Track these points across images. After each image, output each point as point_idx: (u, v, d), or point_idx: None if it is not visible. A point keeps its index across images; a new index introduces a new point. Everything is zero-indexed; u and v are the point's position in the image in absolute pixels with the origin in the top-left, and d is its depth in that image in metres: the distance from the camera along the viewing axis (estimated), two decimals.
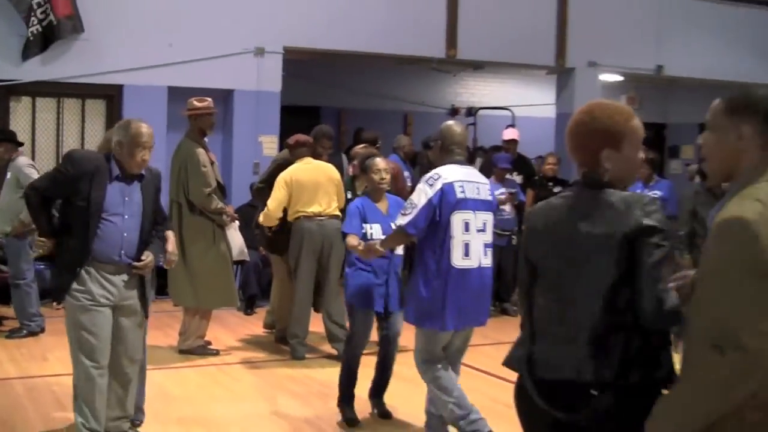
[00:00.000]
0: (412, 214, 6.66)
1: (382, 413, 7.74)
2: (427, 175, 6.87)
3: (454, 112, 19.33)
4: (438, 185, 6.68)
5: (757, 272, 2.90)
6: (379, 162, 7.78)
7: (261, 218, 9.82)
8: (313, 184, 9.66)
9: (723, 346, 2.93)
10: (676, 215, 12.02)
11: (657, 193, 12.26)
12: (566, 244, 3.76)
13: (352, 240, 7.40)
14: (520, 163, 13.93)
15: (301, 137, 10.02)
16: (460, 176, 6.79)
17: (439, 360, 6.90)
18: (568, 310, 3.72)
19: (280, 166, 10.22)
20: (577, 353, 3.64)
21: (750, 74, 17.36)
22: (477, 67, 17.43)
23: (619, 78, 17.74)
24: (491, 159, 13.34)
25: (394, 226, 7.07)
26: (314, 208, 9.70)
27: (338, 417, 7.70)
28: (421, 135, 14.56)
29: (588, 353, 3.62)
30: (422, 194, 6.67)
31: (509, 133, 14.44)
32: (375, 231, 7.51)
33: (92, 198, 6.41)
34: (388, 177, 7.81)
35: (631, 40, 16.47)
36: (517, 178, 13.38)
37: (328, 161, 10.35)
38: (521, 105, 19.01)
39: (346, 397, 7.72)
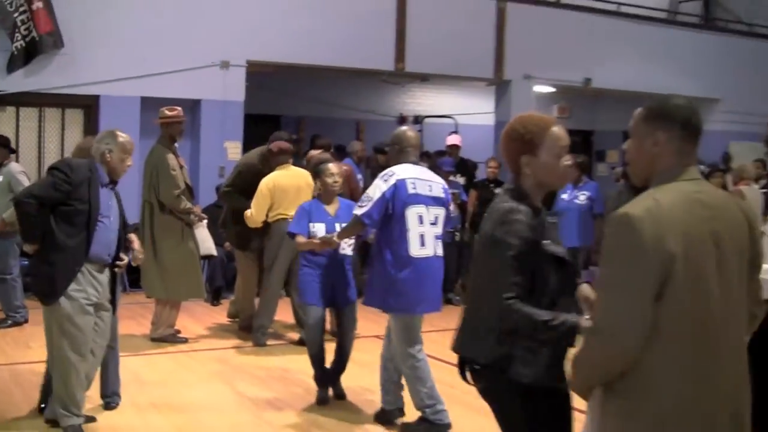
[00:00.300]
0: (367, 206, 6.74)
1: (337, 394, 7.73)
2: (383, 172, 6.96)
3: (402, 120, 19.32)
4: (392, 181, 6.77)
5: (631, 263, 2.96)
6: (331, 166, 7.77)
7: (247, 219, 9.68)
8: (294, 189, 9.57)
9: (594, 329, 3.11)
10: (603, 214, 12.11)
11: (586, 193, 12.36)
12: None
13: (301, 239, 7.45)
14: (463, 167, 14.04)
15: (283, 145, 9.97)
16: (412, 174, 6.87)
17: (416, 342, 6.92)
18: (470, 301, 4.11)
19: (242, 172, 10.24)
20: (462, 335, 4.05)
21: (667, 86, 17.35)
22: (423, 79, 17.52)
23: (551, 89, 17.83)
24: (436, 163, 13.35)
25: (339, 227, 7.33)
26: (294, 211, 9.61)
27: (297, 398, 7.70)
28: (372, 141, 14.59)
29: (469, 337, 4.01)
30: (377, 189, 6.77)
31: (452, 139, 14.53)
32: (318, 230, 7.51)
33: (92, 202, 6.38)
34: (340, 180, 7.82)
35: (563, 55, 16.53)
36: (461, 180, 13.45)
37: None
38: (463, 114, 19.02)
39: (316, 379, 7.73)
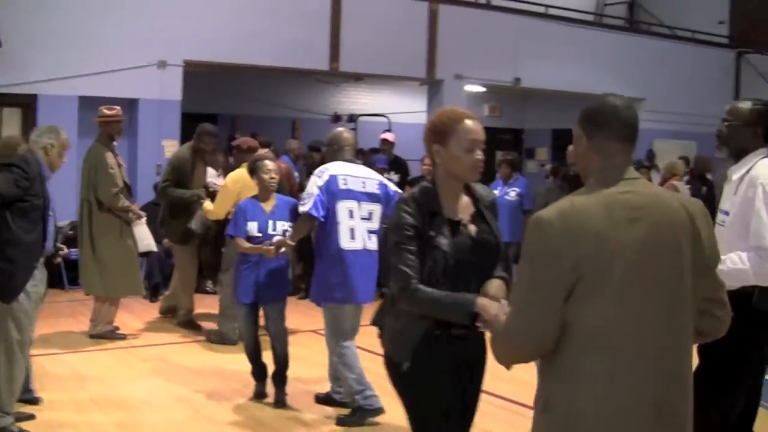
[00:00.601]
0: (310, 201, 6.82)
1: (277, 400, 7.47)
2: (318, 169, 7.10)
3: (336, 118, 19.32)
4: (325, 176, 6.90)
5: (539, 265, 2.95)
6: (268, 163, 7.68)
7: (207, 213, 9.53)
8: None
9: (504, 327, 3.12)
10: (532, 209, 12.22)
11: (516, 190, 12.48)
12: None
13: (244, 243, 7.41)
14: (397, 164, 14.05)
15: (251, 142, 9.94)
16: (345, 171, 6.99)
17: (345, 336, 7.02)
18: None
19: (176, 167, 10.19)
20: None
21: (593, 86, 17.60)
22: (357, 78, 17.56)
23: (482, 89, 17.92)
24: (370, 160, 13.36)
25: (272, 224, 7.43)
26: None
27: (236, 393, 7.66)
28: (308, 139, 14.61)
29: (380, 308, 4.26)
30: (314, 185, 6.89)
31: (386, 135, 14.55)
32: (251, 228, 7.44)
33: (46, 196, 6.32)
34: (277, 177, 7.74)
35: (493, 55, 16.64)
36: (394, 177, 13.45)
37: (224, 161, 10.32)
38: (397, 112, 19.07)
39: (253, 374, 7.68)
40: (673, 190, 12.08)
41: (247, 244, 7.39)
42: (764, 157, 4.87)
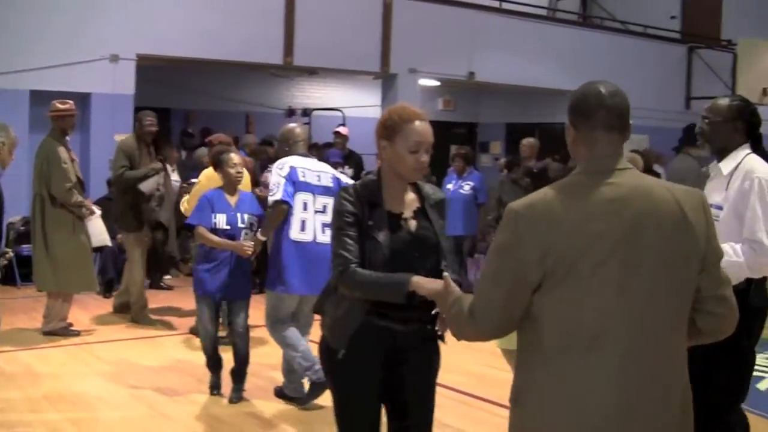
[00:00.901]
0: (279, 189, 6.96)
1: (233, 396, 7.43)
2: (277, 163, 7.22)
3: (290, 112, 19.29)
4: (286, 168, 7.06)
5: (504, 254, 2.93)
6: (235, 157, 7.60)
7: (184, 211, 9.29)
8: None
9: (471, 311, 3.06)
10: (486, 202, 12.29)
11: (470, 184, 12.53)
12: None
13: (209, 234, 7.31)
14: (351, 158, 14.07)
15: (222, 137, 9.88)
16: (302, 164, 7.17)
17: (284, 322, 7.17)
18: None
19: (127, 154, 10.16)
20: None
21: (547, 80, 17.84)
22: (311, 72, 17.51)
23: (436, 83, 17.95)
24: (324, 154, 13.37)
25: (240, 218, 7.33)
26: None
27: (191, 388, 7.64)
28: (262, 133, 14.60)
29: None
30: (277, 176, 7.03)
31: (341, 130, 14.57)
32: (219, 220, 7.33)
33: (2, 193, 6.26)
34: (243, 171, 7.70)
35: (447, 49, 16.67)
36: (348, 171, 13.45)
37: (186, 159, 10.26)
38: (351, 106, 19.07)
39: (208, 366, 7.62)
40: None
41: (215, 237, 7.31)
42: (751, 152, 4.95)
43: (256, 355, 7.85)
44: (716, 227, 4.72)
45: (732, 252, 4.69)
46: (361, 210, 3.99)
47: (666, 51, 19.95)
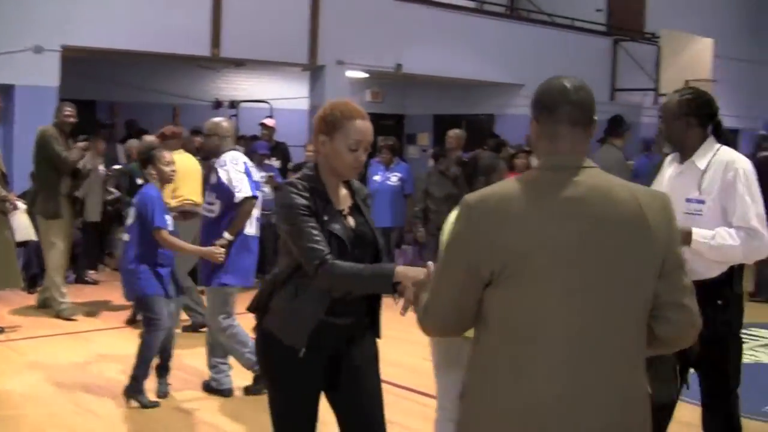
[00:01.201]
0: (245, 185, 7.16)
1: (161, 391, 7.36)
2: (227, 159, 7.29)
3: (217, 104, 19.15)
4: (241, 164, 7.26)
5: (455, 248, 2.91)
6: (167, 153, 7.42)
7: None
8: (195, 173, 9.59)
9: (424, 307, 3.05)
10: (413, 194, 12.35)
11: (398, 175, 12.58)
12: None
13: (179, 242, 7.21)
14: (278, 150, 14.03)
15: (175, 129, 9.79)
16: (245, 159, 7.41)
17: (231, 317, 7.27)
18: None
19: (56, 139, 10.20)
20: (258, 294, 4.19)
21: (474, 72, 17.95)
22: (238, 64, 17.41)
23: (364, 75, 17.96)
24: (251, 147, 13.32)
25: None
26: (195, 197, 9.42)
27: (117, 384, 7.50)
28: (188, 126, 14.45)
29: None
30: (236, 172, 7.19)
31: (267, 121, 14.52)
32: (169, 221, 7.15)
33: None
34: (176, 168, 7.48)
35: (375, 41, 16.66)
36: (276, 163, 13.43)
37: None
38: (279, 98, 19.01)
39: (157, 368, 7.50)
40: None
41: (186, 245, 7.31)
42: (721, 145, 4.95)
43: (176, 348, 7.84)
44: (697, 222, 4.82)
45: (728, 236, 4.70)
46: (314, 204, 3.91)
47: (591, 43, 20.14)
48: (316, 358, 3.99)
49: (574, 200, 2.83)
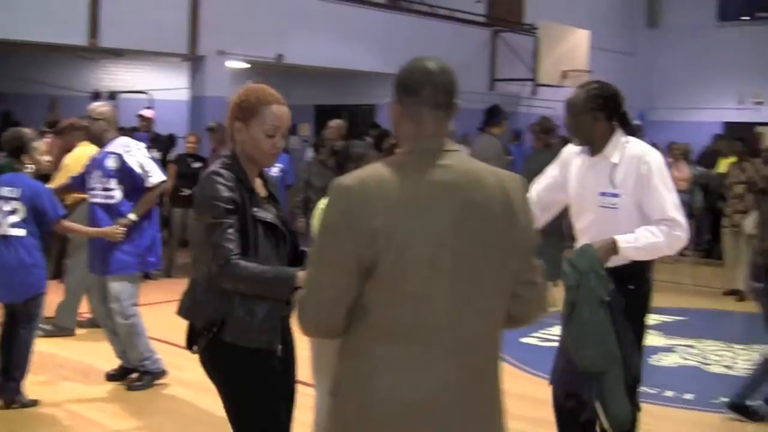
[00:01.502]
0: (155, 170, 7.20)
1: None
2: (122, 145, 7.26)
3: (96, 95, 18.84)
4: (143, 149, 7.33)
5: (332, 235, 2.76)
6: (43, 144, 7.31)
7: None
8: None
9: (300, 303, 2.90)
10: (294, 184, 12.35)
11: (279, 165, 12.52)
12: None
13: (81, 226, 7.23)
14: (158, 141, 13.89)
15: (75, 121, 9.43)
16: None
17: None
18: (192, 266, 4.09)
19: None
20: (184, 299, 4.03)
21: (357, 63, 17.97)
22: (118, 54, 17.16)
23: (245, 65, 17.85)
24: (131, 138, 13.14)
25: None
26: None
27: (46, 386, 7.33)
28: (66, 117, 14.17)
29: (189, 300, 4.01)
30: (144, 158, 7.20)
31: (144, 112, 14.36)
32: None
33: None
34: (51, 159, 7.46)
35: (255, 31, 16.56)
36: (155, 155, 13.27)
37: None
38: (159, 89, 18.80)
39: None
40: None
41: (83, 227, 7.23)
42: (629, 138, 5.01)
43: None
44: (612, 215, 4.85)
45: (650, 234, 4.78)
46: (240, 195, 3.80)
47: (471, 34, 20.38)
48: (278, 352, 3.92)
49: (449, 185, 2.79)
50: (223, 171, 3.83)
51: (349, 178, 2.79)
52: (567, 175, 5.18)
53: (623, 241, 4.75)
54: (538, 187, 5.35)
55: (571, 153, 5.23)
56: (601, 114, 4.97)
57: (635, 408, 4.89)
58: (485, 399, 2.89)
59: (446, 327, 2.78)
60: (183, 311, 3.98)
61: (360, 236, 2.70)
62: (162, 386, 7.37)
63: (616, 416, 4.70)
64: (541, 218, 5.26)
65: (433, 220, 2.75)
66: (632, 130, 5.06)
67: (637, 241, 4.76)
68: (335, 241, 2.75)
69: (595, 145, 5.02)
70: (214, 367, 3.93)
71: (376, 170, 2.81)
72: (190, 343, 3.98)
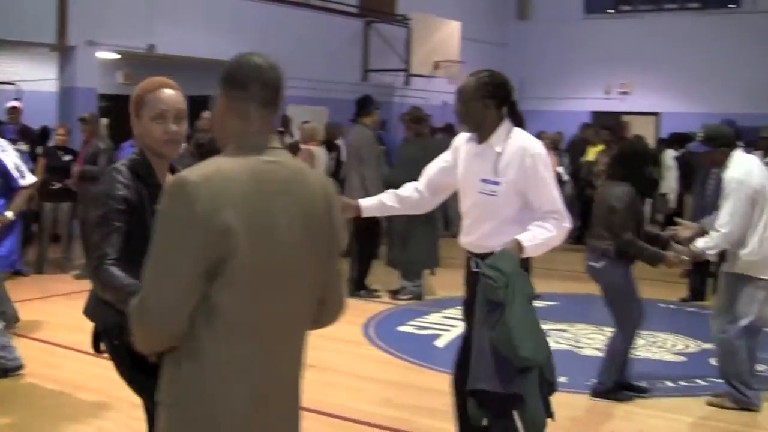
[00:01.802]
0: (26, 171, 7.12)
1: None
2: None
3: None
4: (11, 148, 7.22)
5: (180, 233, 2.62)
6: None
7: None
8: None
9: (138, 307, 2.72)
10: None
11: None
12: None
13: None
14: (27, 134, 13.55)
15: None
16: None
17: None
18: None
19: None
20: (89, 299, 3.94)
21: (229, 53, 17.56)
22: None
23: (116, 56, 17.53)
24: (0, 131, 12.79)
25: None
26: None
27: None
28: None
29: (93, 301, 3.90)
30: (15, 157, 7.13)
31: (12, 104, 13.98)
32: None
33: None
34: None
35: (126, 21, 16.27)
36: (24, 147, 12.92)
37: None
38: (27, 80, 18.32)
39: None
40: (309, 155, 12.42)
41: None
42: (514, 127, 5.05)
43: None
44: (492, 202, 4.91)
45: (543, 229, 4.89)
46: (137, 194, 3.70)
47: (344, 24, 20.39)
48: None
49: (283, 182, 2.78)
50: (122, 168, 3.77)
51: (194, 174, 2.68)
52: (458, 161, 5.24)
53: (526, 240, 4.85)
54: (431, 169, 5.42)
55: (463, 139, 5.29)
56: (491, 102, 5.03)
57: (549, 416, 4.99)
58: (299, 391, 2.96)
59: (284, 325, 2.81)
60: (87, 311, 3.92)
61: (209, 234, 2.62)
62: (25, 381, 7.20)
63: (532, 422, 4.80)
64: (432, 201, 5.43)
65: (275, 216, 2.74)
66: (520, 120, 5.13)
67: (536, 239, 4.87)
68: (180, 240, 2.63)
69: (482, 133, 5.08)
70: (118, 370, 3.91)
71: (217, 166, 2.73)
72: (96, 343, 3.92)
